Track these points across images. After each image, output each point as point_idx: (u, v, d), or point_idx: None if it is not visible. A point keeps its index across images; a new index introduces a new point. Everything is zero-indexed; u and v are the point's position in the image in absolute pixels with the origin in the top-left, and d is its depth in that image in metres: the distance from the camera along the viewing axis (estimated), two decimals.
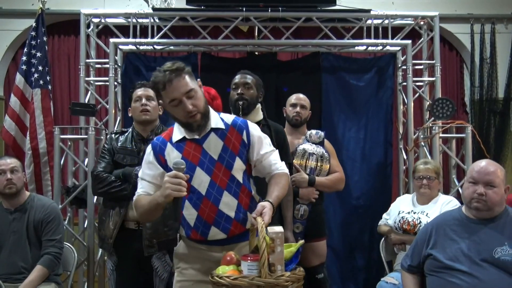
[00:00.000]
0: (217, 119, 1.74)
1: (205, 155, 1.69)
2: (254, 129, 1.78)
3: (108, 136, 2.67)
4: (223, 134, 1.72)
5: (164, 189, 1.53)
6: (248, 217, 1.69)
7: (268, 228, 1.45)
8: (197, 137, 1.70)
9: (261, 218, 1.46)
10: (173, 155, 1.70)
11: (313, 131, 2.79)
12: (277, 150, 1.83)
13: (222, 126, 1.73)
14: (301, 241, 1.57)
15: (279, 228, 1.46)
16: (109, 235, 2.41)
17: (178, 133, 1.73)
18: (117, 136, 2.56)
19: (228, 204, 1.68)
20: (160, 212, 1.67)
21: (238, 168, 1.71)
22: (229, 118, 1.78)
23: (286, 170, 1.80)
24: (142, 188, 1.73)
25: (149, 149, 1.77)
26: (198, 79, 1.75)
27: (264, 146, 1.77)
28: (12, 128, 3.52)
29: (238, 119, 1.79)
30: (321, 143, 2.76)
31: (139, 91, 2.53)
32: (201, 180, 1.67)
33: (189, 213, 1.70)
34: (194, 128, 1.68)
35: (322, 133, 2.79)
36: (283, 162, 1.82)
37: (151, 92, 2.51)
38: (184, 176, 1.53)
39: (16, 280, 2.47)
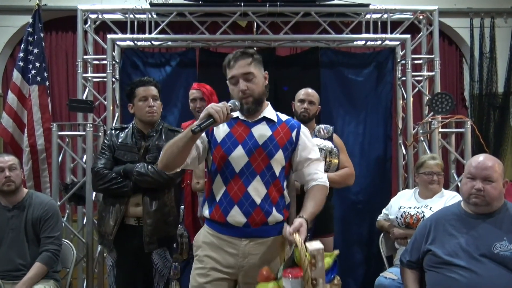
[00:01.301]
0: (272, 112, 1.83)
1: (251, 138, 1.75)
2: (305, 133, 1.85)
3: (108, 132, 2.65)
4: (274, 126, 1.80)
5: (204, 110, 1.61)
6: (284, 226, 1.68)
7: (307, 244, 1.49)
8: (249, 120, 1.78)
9: (298, 235, 1.51)
10: (221, 129, 1.78)
11: (322, 126, 2.76)
12: (323, 162, 1.88)
13: (274, 119, 1.81)
14: (336, 251, 1.61)
15: (318, 244, 1.50)
16: (109, 232, 2.39)
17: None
18: (117, 132, 2.53)
19: (257, 189, 1.71)
20: (182, 152, 1.65)
21: (278, 160, 1.75)
22: (284, 116, 1.87)
23: (327, 183, 1.84)
24: None
25: None
26: (266, 72, 1.84)
27: (310, 152, 1.82)
28: (9, 125, 3.50)
29: (293, 119, 1.86)
30: (330, 138, 2.73)
31: (143, 90, 2.47)
32: (239, 158, 1.73)
33: (218, 187, 1.75)
34: (244, 109, 1.76)
35: (331, 128, 2.76)
36: (326, 175, 1.85)
37: (155, 91, 2.50)
38: (230, 110, 1.63)
39: (14, 277, 2.47)
